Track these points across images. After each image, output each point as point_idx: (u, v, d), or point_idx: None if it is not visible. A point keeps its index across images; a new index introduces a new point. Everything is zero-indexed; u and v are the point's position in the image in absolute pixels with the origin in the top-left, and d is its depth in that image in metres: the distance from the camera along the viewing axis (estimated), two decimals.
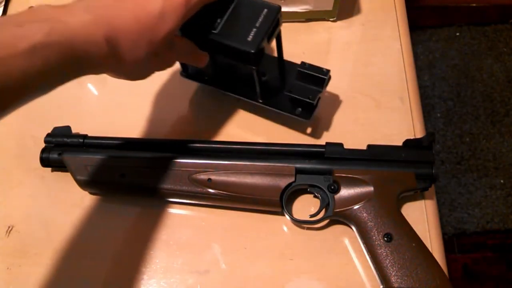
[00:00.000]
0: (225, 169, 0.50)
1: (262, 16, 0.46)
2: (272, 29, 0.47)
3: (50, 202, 0.54)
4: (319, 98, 0.53)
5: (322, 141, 0.51)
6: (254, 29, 0.45)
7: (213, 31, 0.46)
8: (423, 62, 1.46)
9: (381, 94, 0.59)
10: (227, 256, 0.51)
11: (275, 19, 0.46)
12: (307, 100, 0.51)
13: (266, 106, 0.54)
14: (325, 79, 0.51)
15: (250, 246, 0.51)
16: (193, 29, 0.46)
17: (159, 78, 0.58)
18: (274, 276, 0.50)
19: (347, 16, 0.64)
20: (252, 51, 0.45)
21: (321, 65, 0.52)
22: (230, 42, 0.46)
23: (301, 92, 0.51)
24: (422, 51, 1.48)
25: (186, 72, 0.56)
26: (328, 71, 0.51)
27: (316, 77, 0.51)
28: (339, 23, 0.64)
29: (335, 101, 0.59)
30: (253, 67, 0.48)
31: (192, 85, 0.59)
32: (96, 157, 0.51)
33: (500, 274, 1.19)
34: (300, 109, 0.52)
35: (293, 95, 0.51)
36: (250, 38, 0.45)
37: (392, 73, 0.60)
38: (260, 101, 0.54)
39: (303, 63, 0.52)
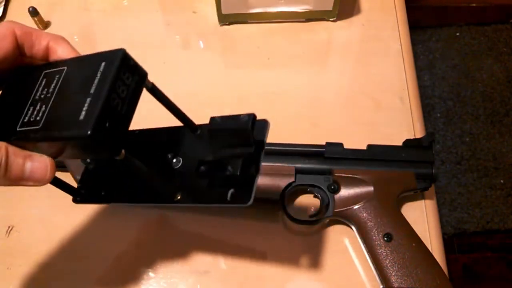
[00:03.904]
0: None
1: (98, 75, 0.29)
2: (127, 87, 0.30)
3: (50, 202, 0.54)
4: (259, 159, 0.33)
5: (322, 141, 0.51)
6: (88, 99, 0.29)
7: (35, 127, 0.31)
8: (423, 62, 1.46)
9: (381, 94, 0.59)
10: (227, 256, 0.51)
11: (118, 71, 0.29)
12: (227, 173, 0.33)
13: (187, 204, 0.36)
14: (247, 130, 0.31)
15: (250, 246, 0.51)
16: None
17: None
18: (274, 276, 0.50)
19: (347, 16, 0.64)
20: (87, 133, 0.28)
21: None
22: (56, 134, 0.30)
23: (219, 165, 0.34)
24: (422, 51, 1.48)
25: (75, 196, 0.42)
26: (250, 116, 0.31)
27: (234, 131, 0.32)
28: (339, 23, 0.64)
29: (335, 101, 0.59)
30: (116, 156, 0.31)
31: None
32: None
33: (500, 274, 1.19)
34: (232, 190, 0.33)
35: (205, 173, 0.34)
36: (83, 115, 0.28)
37: (392, 73, 0.60)
38: (178, 197, 0.36)
39: (212, 119, 0.33)
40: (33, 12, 0.63)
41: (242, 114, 0.32)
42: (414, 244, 0.47)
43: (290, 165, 0.50)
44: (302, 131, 0.56)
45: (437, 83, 1.43)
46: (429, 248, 0.48)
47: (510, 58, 1.47)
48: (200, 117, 0.38)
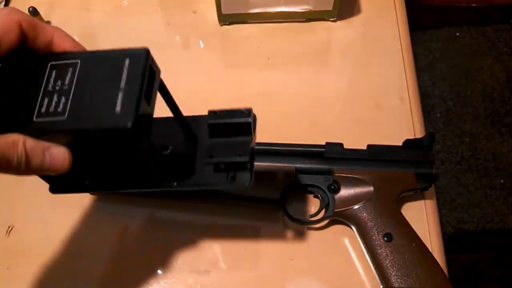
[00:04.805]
0: None
1: (125, 71, 0.31)
2: (148, 84, 0.32)
3: (50, 202, 0.54)
4: (253, 148, 0.38)
5: (322, 141, 0.51)
6: (121, 94, 0.31)
7: (60, 118, 0.31)
8: (423, 62, 1.46)
9: (381, 94, 0.59)
10: (227, 256, 0.51)
11: (145, 68, 0.32)
12: (237, 160, 0.37)
13: (186, 188, 0.39)
14: (249, 123, 0.36)
15: (250, 246, 0.51)
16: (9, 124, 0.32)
17: None
18: (274, 276, 0.50)
19: (347, 16, 0.64)
20: (128, 126, 0.30)
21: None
22: (92, 125, 0.31)
23: (225, 152, 0.37)
24: (422, 51, 1.48)
25: (53, 184, 0.40)
26: (249, 110, 0.37)
27: (236, 124, 0.37)
28: (339, 23, 0.64)
29: (335, 101, 0.59)
30: (144, 146, 0.34)
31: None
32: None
33: (500, 274, 1.19)
34: (231, 174, 0.38)
35: (216, 161, 0.37)
36: (119, 108, 0.30)
37: (392, 73, 0.60)
38: (175, 184, 0.38)
39: (212, 112, 0.37)
40: (33, 12, 0.63)
41: (240, 108, 0.36)
42: (414, 244, 0.47)
43: (290, 165, 0.50)
44: (302, 131, 0.56)
45: (437, 83, 1.43)
46: (429, 248, 0.48)
47: (510, 58, 1.47)
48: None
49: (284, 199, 0.49)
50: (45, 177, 0.39)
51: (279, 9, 0.62)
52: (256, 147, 0.51)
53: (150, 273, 0.50)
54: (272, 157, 0.50)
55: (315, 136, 0.55)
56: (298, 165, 0.50)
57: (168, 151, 0.39)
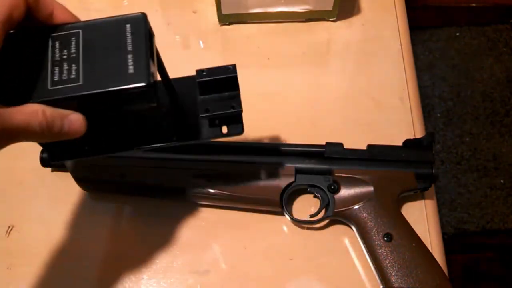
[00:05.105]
0: (225, 169, 0.50)
1: (129, 35, 0.34)
2: (151, 45, 0.35)
3: (50, 202, 0.54)
4: (239, 97, 0.41)
5: (322, 141, 0.51)
6: (130, 56, 0.33)
7: (76, 84, 0.33)
8: (423, 62, 1.46)
9: (381, 94, 0.59)
10: (227, 256, 0.51)
11: (146, 30, 0.34)
12: (232, 111, 0.40)
13: (185, 142, 0.42)
14: (236, 77, 0.40)
15: (250, 246, 0.51)
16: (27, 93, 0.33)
17: None
18: (274, 276, 0.50)
19: (347, 16, 0.64)
20: (144, 83, 0.33)
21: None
22: (110, 87, 0.33)
23: (219, 107, 0.40)
24: (422, 51, 1.48)
25: (52, 153, 0.42)
26: (234, 66, 0.41)
27: (224, 79, 0.40)
28: (339, 23, 0.64)
29: (335, 101, 0.59)
30: (153, 104, 0.35)
31: None
32: (96, 157, 0.51)
33: (500, 274, 1.19)
34: (226, 126, 0.41)
35: (212, 114, 0.40)
36: (131, 69, 0.33)
37: (392, 73, 0.60)
38: (174, 138, 0.41)
39: (199, 71, 0.40)
40: None
41: (225, 65, 0.40)
42: (414, 244, 0.47)
43: (290, 165, 0.50)
44: (302, 131, 0.56)
45: (437, 83, 1.43)
46: (429, 248, 0.48)
47: (510, 58, 1.47)
48: None
49: (284, 199, 0.49)
50: (45, 146, 0.41)
51: (279, 9, 0.62)
52: (256, 147, 0.51)
53: (150, 273, 0.50)
54: (272, 157, 0.50)
55: (315, 136, 0.55)
56: (298, 165, 0.50)
57: (161, 111, 0.40)
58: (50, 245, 0.51)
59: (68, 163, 0.51)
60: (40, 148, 0.52)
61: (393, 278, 0.46)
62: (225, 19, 0.63)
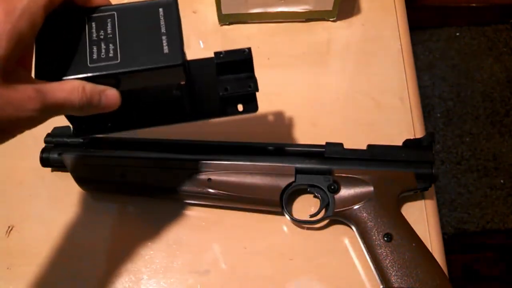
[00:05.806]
0: (225, 169, 0.50)
1: (162, 18, 0.37)
2: (180, 28, 0.38)
3: (50, 202, 0.54)
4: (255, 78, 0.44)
5: (322, 141, 0.51)
6: (164, 37, 0.37)
7: (114, 62, 0.36)
8: (423, 62, 1.46)
9: (381, 94, 0.59)
10: (227, 256, 0.51)
11: (177, 14, 0.37)
12: (249, 91, 0.43)
13: (203, 119, 0.45)
14: (251, 59, 0.43)
15: (250, 246, 0.51)
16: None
17: None
18: (274, 276, 0.50)
19: (347, 16, 0.64)
20: (179, 62, 0.36)
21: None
22: (147, 65, 0.36)
23: (236, 87, 0.43)
24: (422, 51, 1.48)
25: (77, 127, 0.43)
26: (249, 49, 0.43)
27: (240, 61, 0.43)
28: (339, 23, 0.64)
29: (335, 101, 0.59)
30: (183, 81, 0.39)
31: None
32: (96, 157, 0.51)
33: (500, 274, 1.19)
34: (241, 105, 0.44)
35: (231, 94, 0.43)
36: (166, 49, 0.36)
37: (392, 73, 0.60)
38: (194, 116, 0.45)
39: (217, 53, 0.43)
40: None
41: (241, 48, 0.42)
42: (414, 244, 0.47)
43: (290, 165, 0.50)
44: (302, 131, 0.56)
45: (437, 83, 1.43)
46: (429, 248, 0.48)
47: (510, 58, 1.47)
48: None
49: (284, 199, 0.49)
50: (72, 121, 0.42)
51: (279, 9, 0.62)
52: (256, 146, 0.51)
53: (150, 273, 0.50)
54: (272, 157, 0.50)
55: (315, 136, 0.55)
56: (298, 165, 0.50)
57: (179, 91, 0.43)
58: (50, 245, 0.51)
59: (68, 163, 0.51)
60: (40, 148, 0.52)
61: (393, 278, 0.46)
62: (225, 19, 0.63)
